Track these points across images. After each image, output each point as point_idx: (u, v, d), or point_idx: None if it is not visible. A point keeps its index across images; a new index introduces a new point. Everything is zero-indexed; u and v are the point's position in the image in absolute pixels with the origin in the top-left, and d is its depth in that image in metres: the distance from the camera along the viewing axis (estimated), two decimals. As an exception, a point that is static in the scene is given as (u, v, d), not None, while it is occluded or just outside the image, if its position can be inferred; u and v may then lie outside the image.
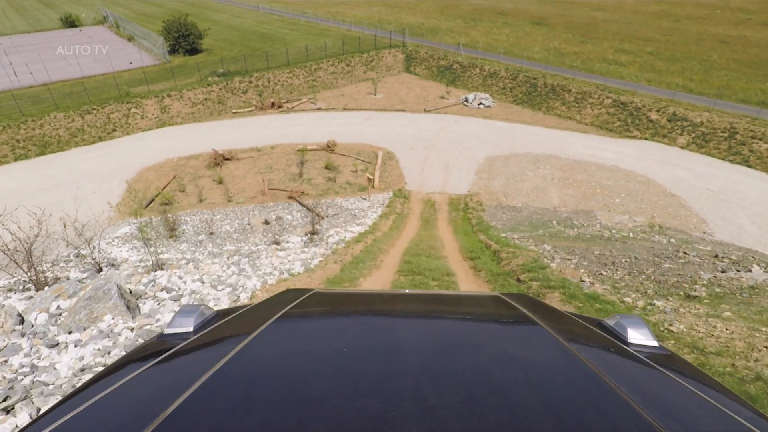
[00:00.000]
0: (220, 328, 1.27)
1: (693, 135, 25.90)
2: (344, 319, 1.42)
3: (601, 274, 7.55)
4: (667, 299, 5.62)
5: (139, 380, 0.93)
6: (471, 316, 1.45)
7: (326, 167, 24.55)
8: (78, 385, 1.19)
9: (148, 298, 5.81)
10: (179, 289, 6.28)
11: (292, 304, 1.41)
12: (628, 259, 8.43)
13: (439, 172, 24.15)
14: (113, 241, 16.65)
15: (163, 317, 4.98)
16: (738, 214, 20.75)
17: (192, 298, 5.80)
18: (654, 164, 24.85)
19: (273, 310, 1.33)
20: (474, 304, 1.63)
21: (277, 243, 14.54)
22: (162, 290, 6.11)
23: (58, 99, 28.29)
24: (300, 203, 21.37)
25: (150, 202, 21.96)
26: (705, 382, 1.02)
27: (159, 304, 5.59)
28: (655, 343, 1.20)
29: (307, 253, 10.45)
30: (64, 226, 10.65)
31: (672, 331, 4.53)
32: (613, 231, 16.22)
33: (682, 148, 25.83)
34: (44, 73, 32.31)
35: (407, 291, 1.92)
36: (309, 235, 15.69)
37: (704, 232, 19.51)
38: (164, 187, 23.24)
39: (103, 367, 1.30)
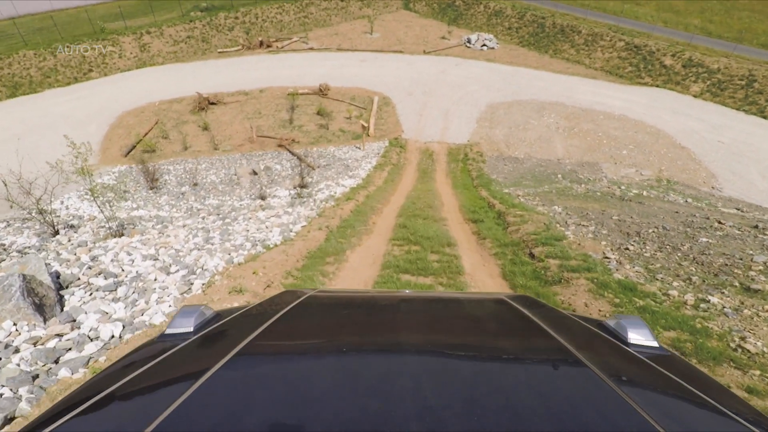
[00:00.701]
0: (220, 328, 1.25)
1: (708, 83, 23.89)
2: (344, 321, 1.38)
3: (627, 249, 6.34)
4: (722, 292, 4.45)
5: (139, 380, 0.90)
6: (472, 319, 1.42)
7: (318, 113, 22.65)
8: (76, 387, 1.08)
9: (79, 287, 4.58)
10: (122, 271, 5.04)
11: (291, 305, 1.39)
12: (655, 229, 7.20)
13: (438, 119, 22.35)
14: (86, 194, 15.21)
15: (86, 321, 3.75)
16: (749, 168, 19.40)
17: (130, 288, 4.57)
18: (665, 114, 23.08)
19: (272, 311, 1.32)
20: (475, 307, 1.58)
21: (263, 198, 13.20)
22: (99, 274, 4.86)
23: (27, 35, 25.52)
24: (290, 152, 19.77)
25: (131, 150, 20.27)
26: (705, 383, 1.00)
27: (90, 295, 4.37)
28: (655, 344, 1.17)
29: (290, 214, 9.14)
30: (19, 180, 9.21)
31: (747, 350, 3.32)
32: (622, 187, 14.92)
33: (695, 96, 23.93)
34: (9, 5, 29.10)
35: (407, 292, 1.95)
36: (298, 188, 14.31)
37: (713, 187, 18.25)
38: (146, 134, 21.43)
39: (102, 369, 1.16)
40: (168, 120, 22.64)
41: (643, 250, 6.36)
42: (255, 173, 17.80)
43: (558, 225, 8.24)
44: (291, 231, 7.42)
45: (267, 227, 7.66)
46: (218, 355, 0.95)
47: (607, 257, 6.19)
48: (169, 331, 1.25)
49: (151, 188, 15.89)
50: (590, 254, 6.22)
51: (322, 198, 11.73)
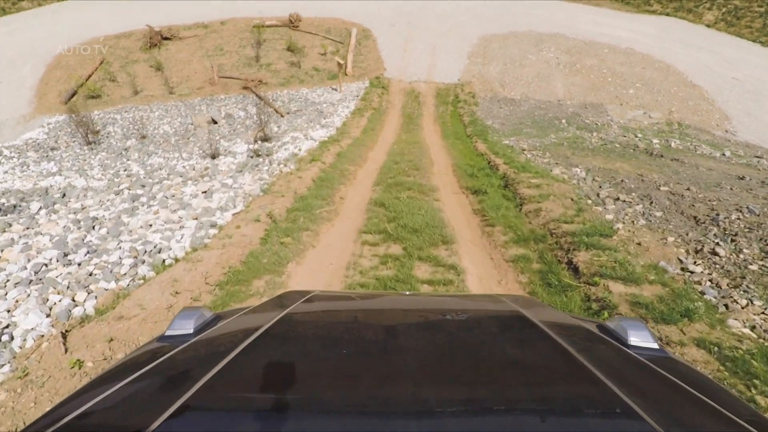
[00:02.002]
0: (220, 330, 1.18)
1: (723, 10, 20.46)
2: (345, 321, 1.32)
3: (715, 253, 3.97)
4: None
5: (138, 382, 0.86)
6: (470, 319, 1.32)
7: (289, 49, 18.94)
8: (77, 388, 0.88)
9: None
10: None
11: (291, 306, 1.33)
12: (739, 214, 4.81)
13: (425, 55, 18.88)
14: (1, 152, 12.08)
15: None
16: (766, 107, 16.83)
17: None
18: (675, 46, 19.89)
19: (273, 312, 1.26)
20: (474, 307, 1.52)
21: (214, 156, 10.35)
22: None
23: (-61, -46, 20.54)
24: (257, 95, 16.47)
25: (71, 96, 16.68)
26: (705, 384, 0.96)
27: None
28: (655, 345, 1.10)
29: (229, 189, 6.48)
30: None
31: None
32: (639, 135, 12.33)
33: (708, 26, 20.59)
34: None
35: (407, 293, 2.07)
36: (259, 142, 11.41)
37: (726, 131, 15.67)
38: (89, 76, 17.70)
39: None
40: (115, 59, 18.78)
41: (740, 256, 3.98)
42: (214, 122, 14.67)
43: (589, 201, 5.77)
44: (212, 226, 4.82)
45: (180, 219, 5.05)
46: (218, 356, 0.91)
47: (687, 269, 3.81)
48: (168, 332, 1.16)
49: (89, 143, 12.81)
50: (663, 266, 3.82)
51: (282, 158, 8.95)
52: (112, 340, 2.67)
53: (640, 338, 1.11)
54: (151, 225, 4.90)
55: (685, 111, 16.32)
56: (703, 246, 4.19)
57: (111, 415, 0.76)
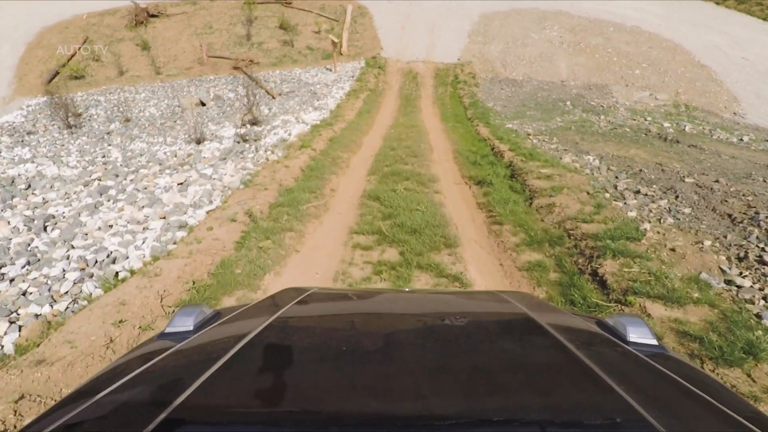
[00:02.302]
0: (220, 327, 1.16)
1: (734, -15, 19.44)
2: (344, 318, 1.29)
3: (765, 263, 3.36)
4: None
5: (138, 379, 0.84)
6: (470, 314, 1.31)
7: (281, 27, 17.88)
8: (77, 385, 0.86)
9: None
10: None
11: (291, 303, 1.29)
12: (780, 212, 4.18)
13: (424, 33, 17.87)
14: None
15: None
16: (776, 89, 16.03)
17: None
18: (683, 25, 18.90)
19: (273, 309, 1.24)
20: (473, 303, 1.51)
21: (199, 141, 9.59)
22: None
23: None
24: (248, 76, 15.54)
25: (53, 76, 15.71)
26: (704, 381, 0.95)
27: None
28: (654, 342, 1.07)
29: (208, 180, 5.77)
30: None
31: None
32: (648, 118, 11.59)
33: (717, 3, 19.56)
34: None
35: (407, 290, 1.98)
36: (247, 125, 10.62)
37: (735, 113, 14.91)
38: (72, 55, 16.66)
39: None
40: (99, 37, 17.69)
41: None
42: (203, 104, 13.80)
43: (607, 194, 5.11)
44: (180, 228, 4.13)
45: (145, 218, 4.35)
46: (218, 353, 0.89)
47: (733, 282, 3.19)
48: (168, 329, 1.14)
49: (69, 127, 11.98)
50: (705, 278, 3.20)
51: (270, 144, 8.19)
52: (21, 397, 2.00)
53: (639, 335, 1.08)
54: (111, 226, 4.19)
55: (692, 92, 15.52)
56: (747, 252, 3.56)
57: (110, 415, 0.71)
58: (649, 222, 4.23)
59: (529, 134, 8.80)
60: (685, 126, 10.07)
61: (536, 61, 16.82)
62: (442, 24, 18.14)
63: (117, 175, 6.62)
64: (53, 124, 12.34)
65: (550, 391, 0.79)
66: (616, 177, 5.73)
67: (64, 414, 0.69)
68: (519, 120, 10.93)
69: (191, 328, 1.13)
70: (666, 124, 10.42)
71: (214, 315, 1.25)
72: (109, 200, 5.10)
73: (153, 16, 18.32)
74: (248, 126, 10.55)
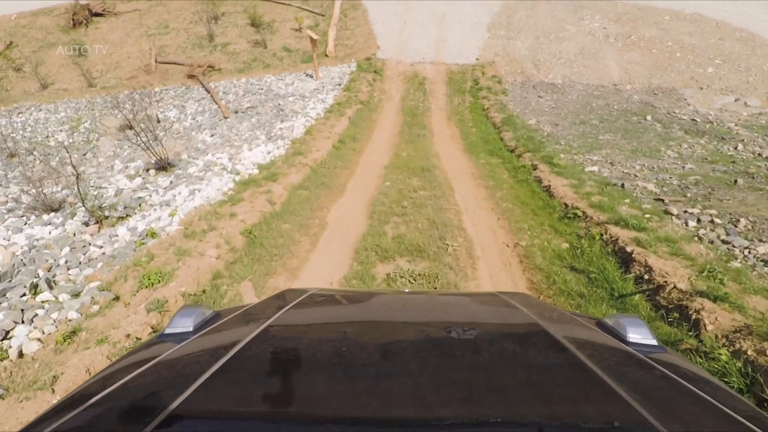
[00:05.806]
0: (220, 328, 1.11)
1: (816, -40, 14.92)
2: (344, 319, 1.25)
3: None
4: None
5: (138, 380, 0.81)
6: (470, 315, 1.26)
7: (252, 23, 13.70)
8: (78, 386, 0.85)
9: None
10: None
11: (290, 304, 1.24)
12: None
13: (431, 27, 13.59)
14: None
15: None
16: None
17: None
18: (757, 10, 14.49)
19: (272, 311, 1.18)
20: (473, 304, 1.43)
21: (56, 209, 5.41)
22: None
23: None
24: (204, 86, 11.40)
25: (-45, 91, 11.68)
26: (704, 381, 0.90)
27: None
28: (654, 342, 1.03)
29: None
30: None
31: None
32: (742, 126, 7.25)
33: (795, -18, 15.09)
34: None
35: (407, 291, 1.82)
36: (152, 171, 6.43)
37: None
38: (-13, 64, 12.64)
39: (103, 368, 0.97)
40: (28, 42, 13.62)
41: None
42: (131, 128, 9.65)
43: None
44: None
45: None
46: (218, 354, 0.85)
47: None
48: (168, 330, 1.09)
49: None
50: None
51: (129, 240, 3.98)
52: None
53: (639, 335, 1.04)
54: None
55: (790, 96, 11.11)
56: None
57: (110, 415, 0.70)
58: None
59: (651, 192, 4.47)
60: None
61: (577, 59, 12.48)
62: (454, 14, 13.86)
63: None
64: None
65: (551, 392, 0.75)
66: None
67: (64, 415, 0.67)
68: (596, 153, 6.64)
69: (191, 329, 1.08)
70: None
71: (214, 316, 1.21)
72: None
73: (97, 15, 14.25)
74: (152, 173, 6.34)
